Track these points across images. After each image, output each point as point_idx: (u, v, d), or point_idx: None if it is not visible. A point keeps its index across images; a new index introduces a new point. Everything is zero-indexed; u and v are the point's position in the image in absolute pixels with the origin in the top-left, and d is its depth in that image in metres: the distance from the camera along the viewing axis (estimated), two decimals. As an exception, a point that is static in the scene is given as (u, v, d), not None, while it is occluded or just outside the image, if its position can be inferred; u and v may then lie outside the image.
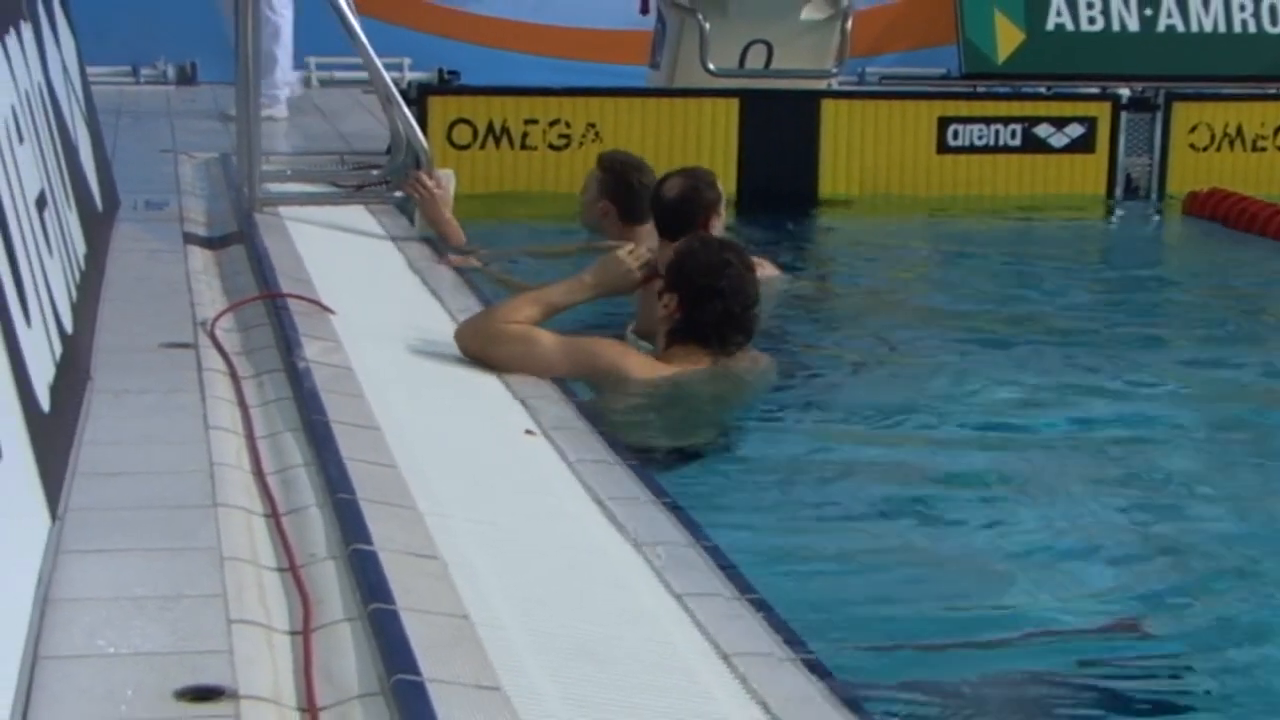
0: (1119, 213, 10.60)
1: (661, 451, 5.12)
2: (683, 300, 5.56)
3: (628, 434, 5.02)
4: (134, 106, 12.38)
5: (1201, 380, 6.39)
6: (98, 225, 6.33)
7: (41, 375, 3.80)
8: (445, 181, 7.92)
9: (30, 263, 4.04)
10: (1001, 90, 11.78)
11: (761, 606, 3.55)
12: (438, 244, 7.68)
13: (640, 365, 5.51)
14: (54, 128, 5.44)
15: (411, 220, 8.05)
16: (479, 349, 5.50)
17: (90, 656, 2.95)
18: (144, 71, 14.31)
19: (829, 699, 3.14)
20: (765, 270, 7.21)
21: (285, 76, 12.15)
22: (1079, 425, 5.62)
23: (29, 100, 4.88)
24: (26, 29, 5.29)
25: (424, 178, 7.82)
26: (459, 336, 5.59)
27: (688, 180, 7.01)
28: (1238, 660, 3.79)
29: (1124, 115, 10.77)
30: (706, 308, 5.54)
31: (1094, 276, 9.22)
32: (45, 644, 2.98)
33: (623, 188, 7.86)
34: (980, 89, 11.84)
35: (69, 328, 4.50)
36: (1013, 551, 4.40)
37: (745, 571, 3.78)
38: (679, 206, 6.87)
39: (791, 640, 3.38)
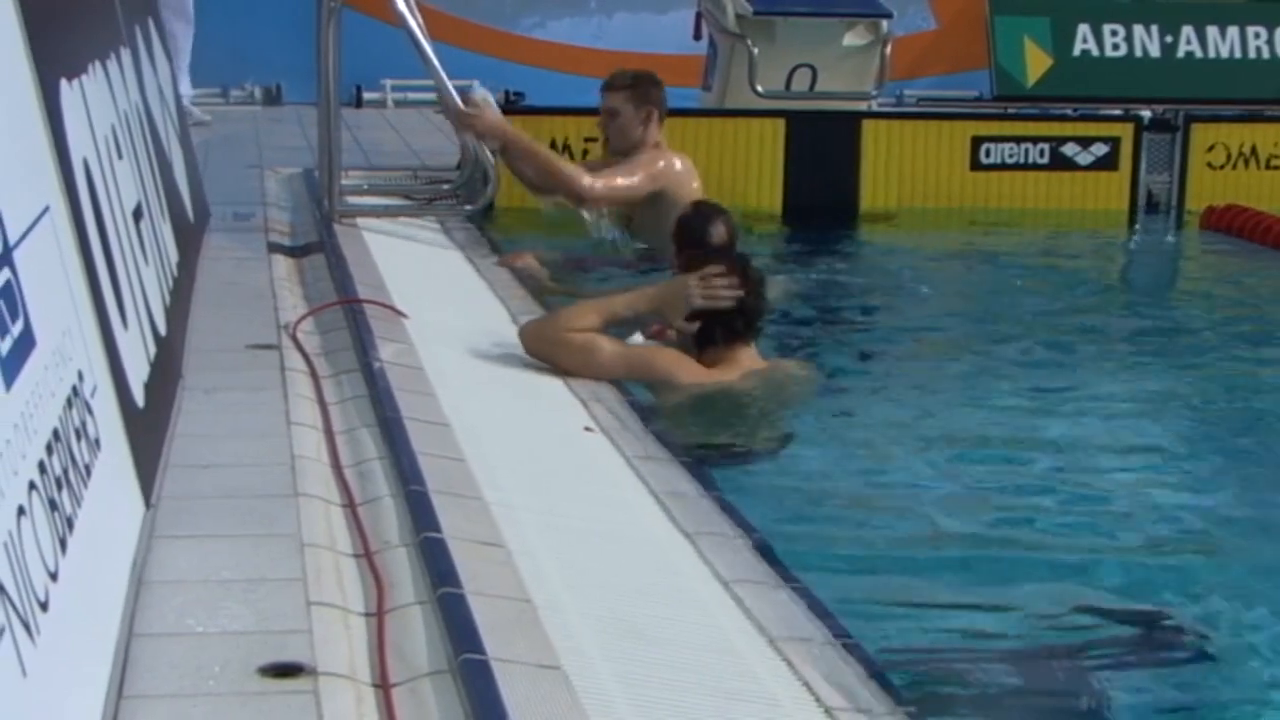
0: (1140, 227, 10.53)
1: (712, 448, 5.11)
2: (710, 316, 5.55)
3: (681, 432, 5.03)
4: (223, 125, 12.43)
5: (1217, 382, 6.34)
6: (189, 235, 6.36)
7: (137, 374, 3.82)
8: (483, 102, 7.93)
9: (127, 270, 4.07)
10: (1030, 112, 11.72)
11: (804, 594, 3.54)
12: (496, 243, 7.75)
13: (691, 371, 5.51)
14: (150, 145, 5.47)
15: (489, 240, 8.06)
16: (539, 351, 5.50)
17: (181, 635, 2.96)
18: (233, 93, 14.36)
19: (868, 682, 3.12)
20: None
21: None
22: (1104, 430, 5.58)
23: (127, 119, 4.90)
24: (125, 54, 5.31)
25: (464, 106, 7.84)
26: (522, 336, 5.59)
27: (728, 223, 6.88)
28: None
29: (1145, 135, 10.69)
30: (726, 317, 5.53)
31: (1117, 286, 9.18)
32: (140, 622, 2.99)
33: (656, 89, 8.04)
34: (1011, 110, 11.79)
35: (162, 330, 4.52)
36: (1051, 550, 4.38)
37: (789, 561, 3.77)
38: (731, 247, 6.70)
39: (833, 625, 3.37)
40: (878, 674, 3.16)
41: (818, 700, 3.02)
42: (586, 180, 7.80)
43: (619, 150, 8.09)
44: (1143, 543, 4.48)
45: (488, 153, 7.95)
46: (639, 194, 7.89)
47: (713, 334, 5.55)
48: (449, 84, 7.85)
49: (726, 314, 5.52)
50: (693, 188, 7.91)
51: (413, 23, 7.79)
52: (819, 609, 3.45)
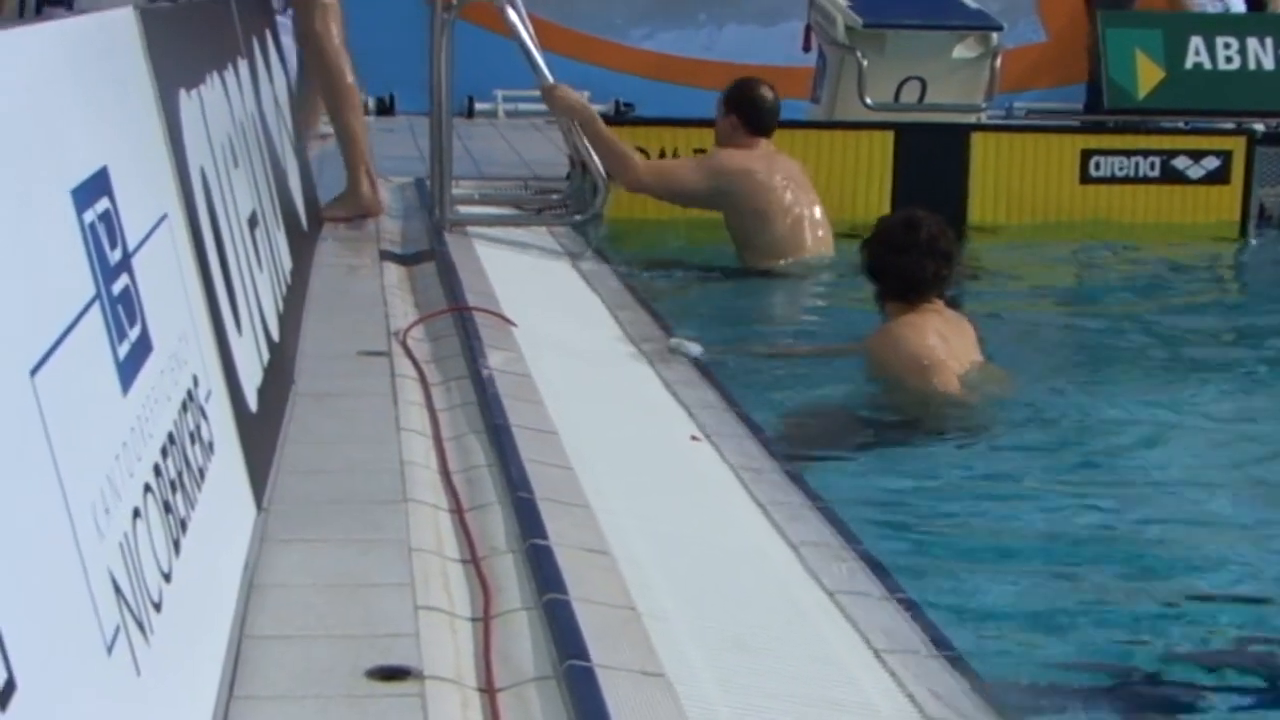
0: (1252, 240, 10.38)
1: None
2: (870, 274, 6.06)
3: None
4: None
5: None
6: (303, 242, 6.41)
7: (250, 379, 3.85)
8: None
9: (242, 276, 4.11)
10: (1141, 124, 11.59)
11: (910, 605, 3.52)
12: (606, 254, 7.80)
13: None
14: (265, 153, 5.53)
15: (586, 238, 8.11)
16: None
17: (290, 637, 2.99)
18: (347, 102, 14.47)
19: (973, 696, 3.10)
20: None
21: None
22: (1220, 446, 5.50)
23: (244, 129, 4.96)
24: (243, 64, 5.37)
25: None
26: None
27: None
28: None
29: (1258, 149, 10.55)
30: (884, 274, 5.99)
31: (1228, 300, 9.06)
32: (250, 624, 3.02)
33: (746, 102, 8.41)
34: (1121, 123, 11.67)
35: (276, 336, 4.56)
36: (1161, 569, 4.31)
37: (895, 571, 3.74)
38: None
39: (937, 638, 3.35)
40: (981, 688, 3.13)
41: (922, 713, 3.00)
42: (637, 161, 8.26)
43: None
44: (1263, 570, 4.39)
45: (598, 163, 7.96)
46: (691, 187, 8.12)
47: (881, 295, 6.02)
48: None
49: (885, 277, 5.95)
50: (763, 189, 8.14)
51: (525, 34, 7.83)
52: (925, 621, 3.43)
